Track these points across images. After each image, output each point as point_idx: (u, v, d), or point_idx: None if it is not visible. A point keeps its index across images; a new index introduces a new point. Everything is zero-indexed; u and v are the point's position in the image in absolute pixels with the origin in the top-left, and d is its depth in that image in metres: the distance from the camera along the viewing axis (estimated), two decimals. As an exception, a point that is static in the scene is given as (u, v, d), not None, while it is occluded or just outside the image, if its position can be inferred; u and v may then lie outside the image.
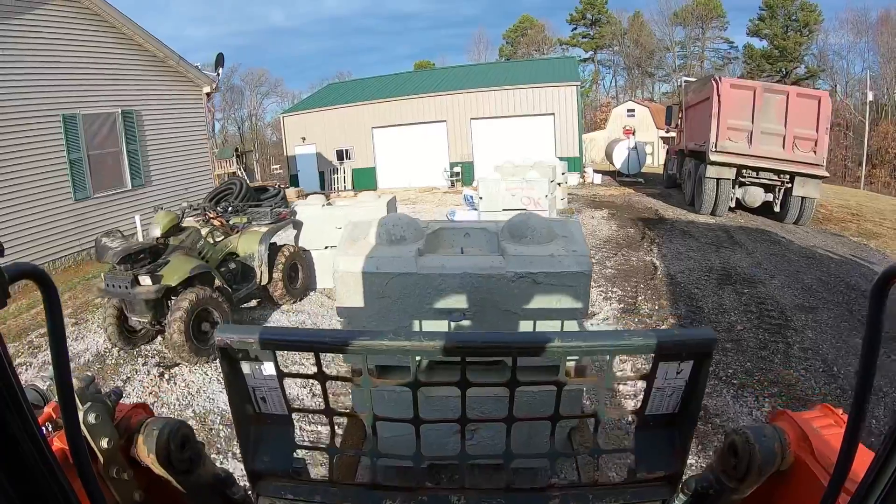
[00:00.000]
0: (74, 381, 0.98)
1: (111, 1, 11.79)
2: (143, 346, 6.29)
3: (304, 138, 23.93)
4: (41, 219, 10.48)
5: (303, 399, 4.94)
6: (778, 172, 12.96)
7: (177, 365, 5.80)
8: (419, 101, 23.08)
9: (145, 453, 1.11)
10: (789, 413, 1.26)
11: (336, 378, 1.28)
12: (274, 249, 7.06)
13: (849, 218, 14.31)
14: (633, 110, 41.31)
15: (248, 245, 6.71)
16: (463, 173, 22.24)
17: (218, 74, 14.05)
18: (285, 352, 1.16)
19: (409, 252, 2.80)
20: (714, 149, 12.86)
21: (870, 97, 37.08)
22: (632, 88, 59.77)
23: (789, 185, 12.94)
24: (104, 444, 1.11)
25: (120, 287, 5.47)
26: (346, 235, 3.06)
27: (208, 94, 14.37)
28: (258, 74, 55.77)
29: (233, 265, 6.60)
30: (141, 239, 10.19)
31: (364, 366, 1.16)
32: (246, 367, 1.16)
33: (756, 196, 13.44)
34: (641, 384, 1.17)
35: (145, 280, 5.40)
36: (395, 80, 27.74)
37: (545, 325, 2.77)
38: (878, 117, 43.64)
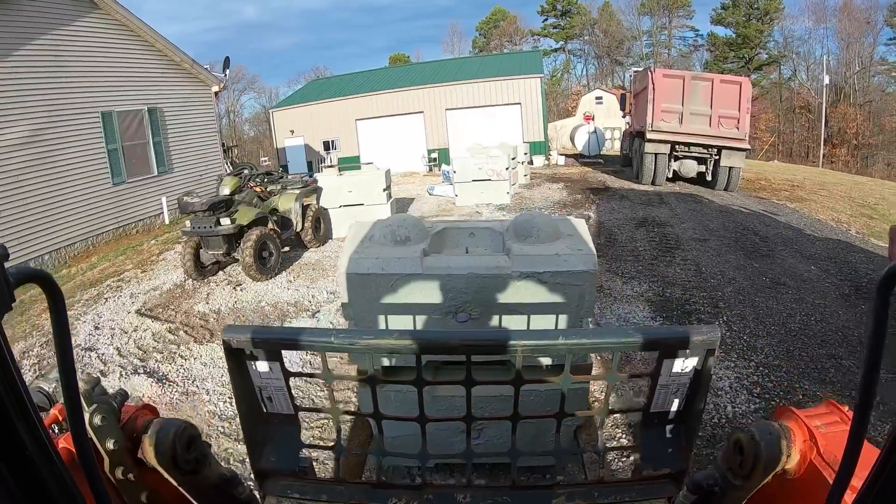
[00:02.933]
0: (80, 384, 0.96)
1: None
2: (209, 278, 8.88)
3: (292, 131, 26.45)
4: (86, 200, 12.74)
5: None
6: (706, 146, 15.80)
7: (242, 283, 8.42)
8: (398, 95, 25.79)
9: (151, 454, 1.14)
10: (794, 410, 1.26)
11: (342, 377, 1.38)
12: (303, 207, 9.70)
13: (787, 188, 16.73)
14: (600, 98, 44.02)
15: (287, 203, 9.38)
16: (440, 159, 24.86)
17: (225, 76, 16.56)
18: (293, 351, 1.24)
19: (414, 252, 2.89)
20: (650, 128, 15.72)
21: (826, 80, 40.03)
22: (602, 77, 62.51)
23: (717, 157, 15.78)
24: (110, 445, 1.13)
25: (205, 227, 8.10)
26: (352, 236, 3.13)
27: (216, 93, 16.87)
28: (235, 71, 57.46)
29: (275, 217, 9.23)
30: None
31: (370, 365, 1.22)
32: (252, 367, 1.23)
33: (690, 167, 16.29)
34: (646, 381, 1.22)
35: (225, 221, 8.06)
36: (375, 76, 30.53)
37: (551, 324, 2.85)
38: (837, 100, 47.08)
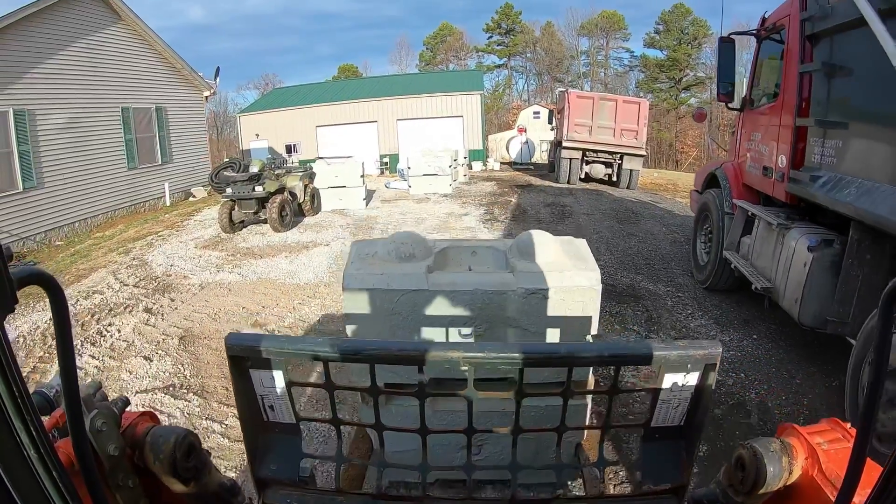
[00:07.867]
0: (81, 388, 1.00)
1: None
2: (237, 232, 12.91)
3: (257, 135, 30.29)
4: (107, 181, 16.17)
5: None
6: (611, 153, 20.74)
7: (266, 233, 12.54)
8: (355, 105, 30.14)
9: (151, 461, 1.19)
10: (796, 427, 1.29)
11: (344, 388, 1.43)
12: (304, 186, 13.90)
13: (689, 189, 21.34)
14: (538, 112, 48.77)
15: (293, 181, 13.62)
16: (391, 163, 29.18)
17: (216, 83, 20.45)
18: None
19: (419, 269, 3.02)
20: (566, 138, 20.61)
21: (746, 99, 46.04)
22: (542, 93, 67.32)
23: (620, 162, 20.73)
24: (110, 451, 1.16)
25: (244, 192, 12.21)
26: (355, 253, 3.28)
27: (206, 97, 20.81)
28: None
29: (286, 191, 13.41)
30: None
31: (372, 375, 1.26)
32: (255, 375, 1.28)
33: (598, 170, 21.17)
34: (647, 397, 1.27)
35: (258, 188, 12.23)
36: (334, 87, 35.31)
37: (554, 339, 2.98)
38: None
